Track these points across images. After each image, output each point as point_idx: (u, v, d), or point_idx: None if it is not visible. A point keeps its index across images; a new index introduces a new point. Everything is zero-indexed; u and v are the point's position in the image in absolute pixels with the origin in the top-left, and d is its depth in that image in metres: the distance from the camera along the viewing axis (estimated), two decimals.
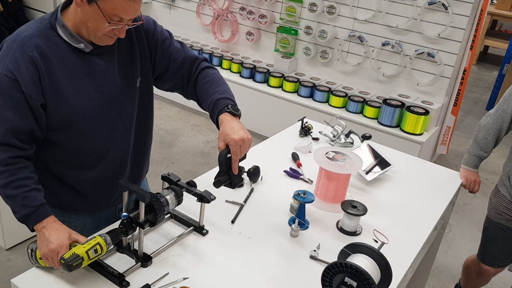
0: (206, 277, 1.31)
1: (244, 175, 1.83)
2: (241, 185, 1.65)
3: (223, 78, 1.51)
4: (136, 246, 1.33)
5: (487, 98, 5.85)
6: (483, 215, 3.44)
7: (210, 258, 1.39)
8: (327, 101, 3.97)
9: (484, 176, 4.04)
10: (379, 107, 3.69)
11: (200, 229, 1.49)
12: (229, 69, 4.49)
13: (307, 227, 1.58)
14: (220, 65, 4.56)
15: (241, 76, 4.37)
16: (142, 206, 1.26)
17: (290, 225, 1.56)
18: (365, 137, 2.15)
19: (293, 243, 1.51)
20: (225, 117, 1.36)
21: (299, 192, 1.57)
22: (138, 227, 1.29)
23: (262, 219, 1.61)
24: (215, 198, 1.43)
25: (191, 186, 1.45)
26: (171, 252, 1.39)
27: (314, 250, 1.46)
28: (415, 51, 3.63)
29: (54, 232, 1.21)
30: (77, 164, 1.39)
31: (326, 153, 1.72)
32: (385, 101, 3.64)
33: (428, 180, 2.02)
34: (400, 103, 3.60)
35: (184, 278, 1.28)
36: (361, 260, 1.14)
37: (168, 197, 1.36)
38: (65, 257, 1.14)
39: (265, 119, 4.13)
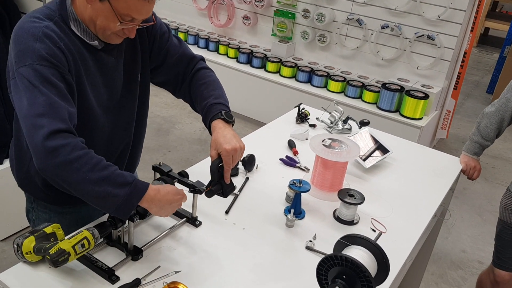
0: (198, 270, 1.27)
1: (239, 165, 1.79)
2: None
3: (219, 81, 1.48)
4: (126, 239, 1.29)
5: (487, 81, 5.78)
6: (483, 200, 3.43)
7: (203, 250, 1.35)
8: (325, 86, 3.91)
9: (484, 160, 4.00)
10: (378, 92, 3.63)
11: (193, 221, 1.45)
12: (226, 54, 4.41)
13: (303, 217, 1.54)
14: (217, 50, 4.48)
15: (238, 61, 4.30)
16: None
17: (286, 215, 1.52)
18: (363, 123, 2.10)
19: (289, 233, 1.47)
20: (217, 124, 1.33)
21: (295, 181, 1.52)
22: (127, 220, 1.25)
23: (257, 209, 1.57)
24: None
25: (183, 177, 1.40)
26: (163, 244, 1.35)
27: (310, 241, 1.42)
28: (415, 33, 3.56)
29: (162, 188, 1.18)
30: None
31: (323, 141, 1.67)
32: (384, 85, 3.57)
33: (428, 166, 1.97)
34: (399, 87, 3.54)
35: (176, 272, 1.24)
36: (357, 252, 1.11)
37: None
38: (51, 253, 1.10)
39: (263, 105, 4.07)
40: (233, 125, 1.37)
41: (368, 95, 3.67)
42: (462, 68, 3.80)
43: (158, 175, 1.39)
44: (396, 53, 3.70)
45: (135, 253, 1.28)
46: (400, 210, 1.65)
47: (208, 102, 1.37)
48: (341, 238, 1.17)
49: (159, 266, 1.26)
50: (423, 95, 3.45)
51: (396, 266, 1.37)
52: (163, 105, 4.38)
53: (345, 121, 2.17)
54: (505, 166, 3.96)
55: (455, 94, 3.91)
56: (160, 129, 3.99)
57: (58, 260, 1.09)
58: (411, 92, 3.47)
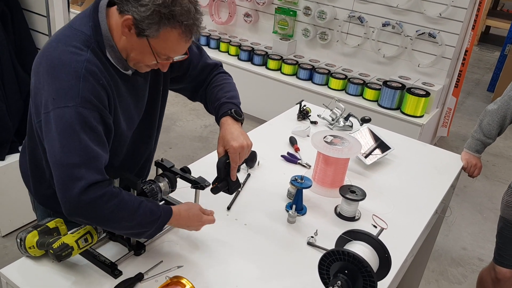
0: (200, 265, 1.28)
1: None
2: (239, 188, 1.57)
3: (234, 85, 1.48)
4: None
5: (488, 79, 5.78)
6: (483, 198, 3.44)
7: (205, 246, 1.36)
8: (326, 84, 3.91)
9: (485, 158, 4.01)
10: (379, 89, 3.63)
11: None
12: (227, 52, 4.41)
13: (304, 213, 1.55)
14: (218, 48, 4.48)
15: (239, 59, 4.30)
16: (134, 193, 1.22)
17: (287, 211, 1.53)
18: (364, 120, 2.10)
19: (290, 229, 1.48)
20: (226, 121, 1.33)
21: (296, 178, 1.53)
22: None
23: (258, 205, 1.57)
24: (209, 184, 1.39)
25: (185, 172, 1.41)
26: (165, 240, 1.36)
27: (312, 237, 1.42)
28: (416, 31, 3.55)
29: (184, 209, 1.25)
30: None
31: (324, 137, 1.68)
32: (385, 83, 3.58)
33: (429, 163, 1.98)
34: (400, 85, 3.54)
35: (178, 267, 1.25)
36: (359, 248, 1.11)
37: (161, 184, 1.32)
38: (54, 247, 1.10)
39: (264, 102, 4.07)
40: (242, 123, 1.37)
41: (369, 93, 3.67)
42: (463, 66, 3.79)
43: (160, 171, 1.39)
44: (397, 51, 3.70)
45: (137, 248, 1.29)
46: (401, 206, 1.66)
47: (220, 102, 1.38)
48: (343, 234, 1.18)
49: (162, 261, 1.27)
50: (424, 92, 3.45)
51: (397, 262, 1.38)
52: None
53: (346, 118, 2.17)
54: (506, 164, 3.97)
55: (456, 92, 3.91)
56: (162, 126, 3.99)
57: (61, 255, 1.10)
58: (412, 89, 3.47)
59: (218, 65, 1.49)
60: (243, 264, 1.31)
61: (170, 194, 1.47)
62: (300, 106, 2.23)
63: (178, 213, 1.23)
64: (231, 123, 1.32)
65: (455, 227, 3.06)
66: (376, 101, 3.66)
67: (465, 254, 2.82)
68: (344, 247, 1.13)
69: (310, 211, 1.57)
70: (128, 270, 1.22)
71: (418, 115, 3.48)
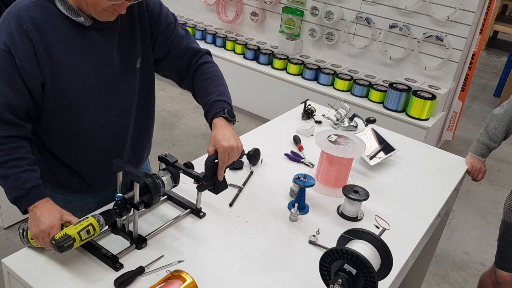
0: (202, 260, 1.28)
1: (244, 158, 1.79)
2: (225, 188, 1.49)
3: (222, 77, 1.47)
4: (130, 228, 1.30)
5: (495, 84, 5.75)
6: (487, 203, 3.42)
7: (207, 241, 1.35)
8: (332, 84, 3.91)
9: (490, 163, 3.99)
10: (385, 91, 3.62)
11: (197, 212, 1.45)
12: (233, 50, 4.41)
13: (307, 212, 1.55)
14: (224, 46, 4.48)
15: (244, 57, 4.30)
16: (137, 187, 1.22)
17: (290, 209, 1.53)
18: (369, 121, 2.10)
19: (292, 227, 1.47)
20: (219, 122, 1.34)
21: (299, 176, 1.53)
22: (132, 209, 1.25)
23: (261, 202, 1.57)
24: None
25: (188, 168, 1.41)
26: (167, 234, 1.36)
27: (314, 235, 1.42)
28: (423, 34, 3.54)
29: (46, 212, 1.17)
30: (74, 146, 1.35)
31: (329, 136, 1.67)
32: (391, 85, 3.56)
33: (433, 166, 1.97)
34: (406, 87, 3.53)
35: (179, 261, 1.25)
36: (361, 247, 1.11)
37: (164, 178, 1.32)
38: (56, 238, 1.10)
39: (269, 102, 4.07)
40: (234, 123, 1.38)
41: (375, 94, 3.66)
42: (470, 70, 3.78)
43: (163, 166, 1.39)
44: (404, 53, 3.69)
45: (139, 242, 1.29)
46: (404, 208, 1.65)
47: (211, 99, 1.38)
48: (344, 232, 1.17)
49: (163, 255, 1.27)
50: (430, 95, 3.43)
51: (398, 263, 1.37)
52: (168, 99, 4.39)
53: (351, 119, 2.17)
54: (510, 170, 3.94)
55: (462, 96, 3.90)
56: (166, 123, 4.00)
57: (63, 245, 1.10)
58: (418, 92, 3.46)
59: (203, 52, 1.47)
60: (244, 260, 1.30)
61: (173, 190, 1.47)
62: (305, 105, 2.22)
63: (36, 211, 1.18)
64: (224, 124, 1.33)
65: (458, 231, 3.05)
66: (382, 103, 3.65)
67: (467, 258, 2.81)
68: (346, 246, 1.12)
69: (312, 210, 1.56)
70: (129, 263, 1.23)
71: (424, 118, 3.46)
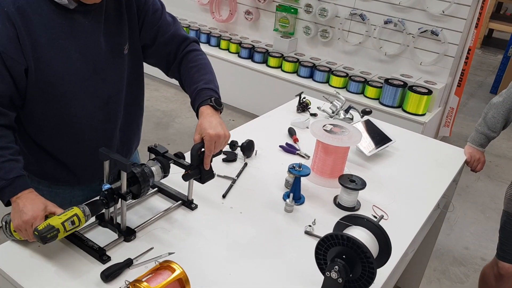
0: (193, 252, 1.23)
1: (238, 150, 1.75)
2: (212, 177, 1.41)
3: (210, 65, 1.43)
4: (119, 220, 1.25)
5: (491, 81, 5.73)
6: (486, 198, 3.38)
7: (199, 233, 1.31)
8: (327, 82, 3.87)
9: (488, 158, 3.95)
10: (380, 87, 3.59)
11: (188, 203, 1.41)
12: (227, 49, 4.37)
13: (302, 202, 1.50)
14: (218, 45, 4.44)
15: (239, 56, 4.26)
16: (124, 176, 1.17)
17: (285, 200, 1.48)
18: (365, 112, 2.06)
19: (288, 218, 1.43)
20: (205, 110, 1.30)
21: (294, 165, 1.48)
22: (120, 199, 1.21)
23: (255, 194, 1.52)
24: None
25: (179, 158, 1.36)
26: (157, 226, 1.31)
27: (310, 226, 1.37)
28: (418, 29, 3.51)
29: (29, 203, 1.12)
30: (60, 135, 1.30)
31: (324, 126, 1.63)
32: (386, 80, 3.53)
33: (431, 157, 1.93)
34: (402, 83, 3.50)
35: (170, 253, 1.20)
36: (358, 233, 1.06)
37: (153, 168, 1.27)
38: (39, 229, 1.05)
39: (264, 100, 4.02)
40: (221, 112, 1.33)
41: (370, 91, 3.62)
42: (466, 65, 3.75)
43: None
44: (399, 49, 3.66)
45: (127, 234, 1.24)
46: (402, 199, 1.61)
47: (198, 86, 1.33)
48: (341, 219, 1.13)
49: (152, 248, 1.22)
50: (426, 90, 3.40)
51: (397, 253, 1.33)
52: (163, 100, 4.34)
53: (346, 111, 2.13)
54: (508, 165, 3.91)
55: (459, 91, 3.86)
56: (160, 123, 3.95)
57: (46, 236, 1.05)
58: (414, 87, 3.43)
59: (190, 39, 1.44)
60: (238, 251, 1.26)
61: (164, 182, 1.43)
62: (300, 98, 2.18)
63: (18, 201, 1.13)
64: (211, 112, 1.29)
65: (458, 226, 3.00)
66: (378, 99, 3.61)
67: (467, 253, 2.76)
68: (343, 232, 1.08)
69: (308, 201, 1.52)
70: (117, 256, 1.18)
71: (420, 113, 3.43)
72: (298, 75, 3.97)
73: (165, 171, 1.29)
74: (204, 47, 4.47)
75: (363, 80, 3.69)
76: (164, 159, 1.31)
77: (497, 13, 7.23)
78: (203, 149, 1.27)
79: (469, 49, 3.62)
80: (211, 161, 1.29)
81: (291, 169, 1.47)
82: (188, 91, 1.38)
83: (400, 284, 2.41)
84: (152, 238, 1.26)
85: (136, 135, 1.53)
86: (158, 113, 4.09)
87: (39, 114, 1.26)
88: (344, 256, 1.01)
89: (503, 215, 1.90)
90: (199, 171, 1.29)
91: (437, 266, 2.62)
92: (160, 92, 4.47)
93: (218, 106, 1.30)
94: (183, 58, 1.41)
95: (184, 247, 1.24)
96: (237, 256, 1.24)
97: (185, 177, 1.29)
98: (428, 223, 1.91)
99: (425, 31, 3.49)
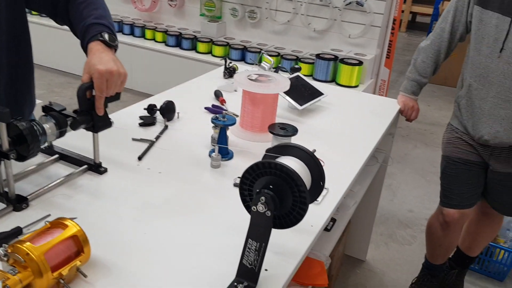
0: (99, 216, 1.03)
1: (157, 114, 1.56)
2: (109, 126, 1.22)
3: (103, 2, 1.23)
4: (6, 189, 1.03)
5: None
6: (425, 163, 3.41)
7: (108, 196, 1.11)
8: (260, 63, 3.75)
9: (423, 127, 4.02)
10: (313, 63, 3.53)
11: (96, 167, 1.20)
12: (153, 39, 4.15)
13: (231, 157, 1.34)
14: (143, 36, 4.20)
15: (166, 45, 4.05)
16: (3, 127, 0.96)
17: (210, 156, 1.32)
18: (294, 69, 1.95)
19: (215, 174, 1.27)
20: (95, 46, 1.09)
21: (218, 116, 1.32)
22: (2, 159, 0.99)
23: (177, 154, 1.35)
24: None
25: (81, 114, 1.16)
26: (57, 193, 1.10)
27: (239, 177, 1.22)
28: (344, 1, 3.49)
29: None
30: None
31: (248, 76, 1.49)
32: (318, 55, 3.48)
33: (365, 108, 1.85)
34: (333, 57, 3.46)
35: (71, 219, 1.00)
36: (288, 162, 0.92)
37: (46, 125, 1.06)
38: None
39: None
40: (116, 50, 1.14)
41: (303, 68, 3.55)
42: (393, 36, 3.78)
43: None
44: (327, 24, 3.62)
45: (18, 202, 1.02)
46: (338, 148, 1.50)
47: (87, 22, 1.13)
48: (269, 150, 0.98)
49: (49, 215, 1.01)
50: (357, 62, 3.38)
51: (336, 196, 1.21)
52: None
53: (276, 71, 2.00)
54: (443, 131, 3.98)
55: (388, 62, 3.89)
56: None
57: None
58: (345, 60, 3.40)
59: None
60: (156, 211, 1.08)
61: (69, 149, 1.22)
62: (225, 62, 2.04)
63: None
64: (102, 48, 1.08)
65: (400, 192, 2.98)
66: (311, 75, 3.55)
67: (412, 216, 2.74)
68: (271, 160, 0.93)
69: (237, 156, 1.36)
70: (5, 227, 0.96)
71: (353, 85, 3.40)
72: (230, 59, 3.82)
73: (61, 127, 1.09)
74: (128, 39, 4.22)
75: (295, 57, 3.62)
76: (60, 115, 1.10)
77: None
78: (92, 90, 1.06)
79: (394, 19, 3.65)
80: (106, 106, 1.09)
81: (215, 119, 1.32)
82: (77, 32, 1.17)
83: (348, 252, 2.32)
84: (49, 205, 1.05)
85: (28, 97, 1.30)
86: None
87: None
88: (271, 187, 0.86)
89: (442, 160, 1.85)
90: (91, 117, 1.09)
91: (383, 231, 2.56)
92: None
93: (111, 42, 1.11)
94: None
95: (90, 213, 1.04)
96: (157, 215, 1.06)
97: (73, 125, 1.08)
98: (368, 176, 1.82)
99: (350, 3, 3.47)
